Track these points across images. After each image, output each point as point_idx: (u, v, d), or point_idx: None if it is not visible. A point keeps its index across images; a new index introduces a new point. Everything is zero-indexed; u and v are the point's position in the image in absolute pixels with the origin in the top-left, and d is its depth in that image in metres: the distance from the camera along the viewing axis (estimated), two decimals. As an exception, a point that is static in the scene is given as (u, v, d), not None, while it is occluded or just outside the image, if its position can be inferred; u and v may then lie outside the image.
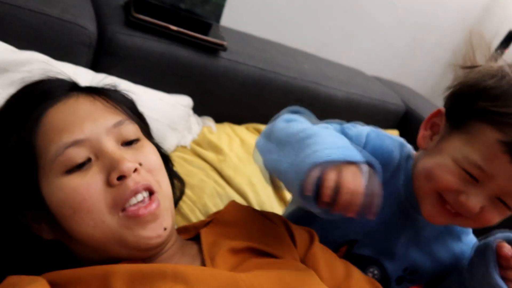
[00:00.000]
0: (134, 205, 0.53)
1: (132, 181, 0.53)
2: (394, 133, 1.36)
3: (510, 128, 0.52)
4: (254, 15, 1.33)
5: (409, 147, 0.69)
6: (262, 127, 1.14)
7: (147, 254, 0.57)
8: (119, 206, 0.53)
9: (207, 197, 0.92)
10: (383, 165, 0.64)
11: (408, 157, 0.67)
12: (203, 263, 0.59)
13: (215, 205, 0.91)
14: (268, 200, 1.01)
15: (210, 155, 0.99)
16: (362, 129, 0.67)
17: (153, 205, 0.54)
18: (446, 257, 0.72)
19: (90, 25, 0.82)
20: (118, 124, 0.56)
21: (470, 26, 1.67)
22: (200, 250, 0.62)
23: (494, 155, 0.53)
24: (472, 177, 0.55)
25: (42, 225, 0.56)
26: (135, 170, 0.54)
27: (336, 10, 1.44)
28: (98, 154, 0.54)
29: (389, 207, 0.67)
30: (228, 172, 0.97)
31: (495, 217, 0.57)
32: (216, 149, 1.00)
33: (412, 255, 0.71)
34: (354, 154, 0.51)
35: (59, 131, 0.53)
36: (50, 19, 0.77)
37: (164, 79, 0.95)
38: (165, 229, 0.55)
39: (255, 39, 1.19)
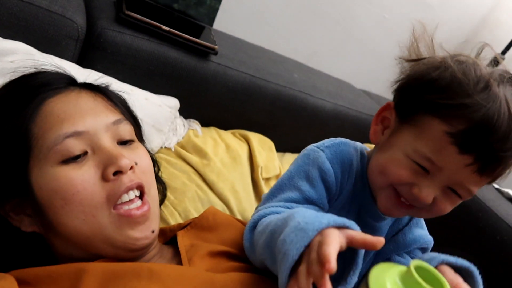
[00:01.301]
0: (126, 203, 0.54)
1: (127, 178, 0.54)
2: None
3: (455, 120, 0.52)
4: (247, 20, 1.33)
5: (361, 147, 0.69)
6: (249, 133, 1.13)
7: (131, 254, 0.57)
8: (112, 201, 0.53)
9: (188, 201, 0.91)
10: (347, 175, 0.65)
11: (363, 157, 0.67)
12: (180, 265, 0.58)
13: (196, 209, 0.90)
14: (250, 207, 1.00)
15: (194, 158, 0.98)
16: (317, 157, 0.64)
17: (145, 207, 0.56)
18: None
19: (79, 18, 0.80)
20: (117, 122, 0.58)
21: (458, 47, 1.70)
22: (177, 253, 0.62)
23: (442, 147, 0.53)
24: (423, 169, 0.55)
25: (22, 217, 0.56)
26: (131, 168, 0.55)
27: (328, 21, 1.45)
28: (95, 149, 0.54)
29: (350, 215, 0.68)
30: (212, 177, 0.96)
31: (447, 207, 0.58)
32: (201, 153, 0.99)
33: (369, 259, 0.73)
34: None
35: (60, 120, 0.54)
36: (37, 9, 0.75)
37: (151, 79, 0.94)
38: (153, 231, 0.57)
39: (247, 45, 1.18)
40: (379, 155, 0.61)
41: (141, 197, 0.57)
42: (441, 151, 0.53)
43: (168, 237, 0.69)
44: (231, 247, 0.63)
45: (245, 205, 1.00)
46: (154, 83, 0.94)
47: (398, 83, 0.63)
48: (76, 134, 0.53)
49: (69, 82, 0.60)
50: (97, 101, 0.59)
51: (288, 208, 0.61)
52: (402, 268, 0.42)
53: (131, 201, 0.55)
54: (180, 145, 1.00)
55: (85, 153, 0.54)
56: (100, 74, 0.82)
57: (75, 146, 0.53)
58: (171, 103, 0.98)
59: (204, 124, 1.09)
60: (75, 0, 0.84)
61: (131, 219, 0.54)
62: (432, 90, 0.55)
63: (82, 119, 0.55)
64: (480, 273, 0.57)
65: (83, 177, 0.52)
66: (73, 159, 0.53)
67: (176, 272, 0.52)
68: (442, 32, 1.82)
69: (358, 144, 0.69)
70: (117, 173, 0.54)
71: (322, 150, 0.64)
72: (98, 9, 0.88)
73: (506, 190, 1.26)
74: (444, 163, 0.54)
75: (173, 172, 0.94)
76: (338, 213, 0.67)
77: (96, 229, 0.53)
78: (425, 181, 0.56)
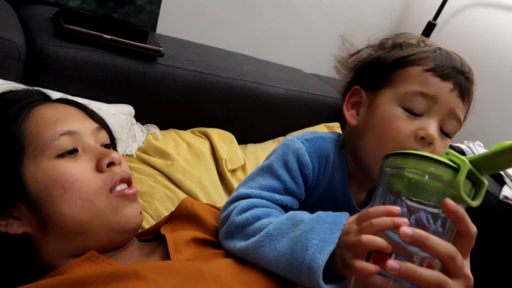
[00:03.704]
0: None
1: (119, 169, 0.61)
2: (335, 125, 1.42)
3: (424, 60, 0.60)
4: (189, 21, 1.34)
5: (340, 140, 0.70)
6: (208, 129, 1.15)
7: (124, 237, 0.61)
8: (108, 187, 0.59)
9: (158, 202, 0.92)
10: (323, 169, 0.66)
11: (341, 149, 0.68)
12: (166, 256, 0.61)
13: (167, 209, 0.91)
14: (220, 200, 1.02)
15: (157, 161, 0.99)
16: (297, 149, 0.65)
17: (135, 188, 0.63)
18: None
19: (17, 38, 0.80)
20: (98, 129, 0.65)
21: (394, 20, 1.79)
22: (160, 244, 0.63)
23: (427, 79, 0.59)
24: (415, 113, 0.59)
25: (9, 221, 0.57)
26: (120, 163, 0.62)
27: (268, 12, 1.48)
28: (85, 148, 0.60)
29: (326, 209, 0.70)
30: (177, 176, 0.97)
31: (441, 151, 0.60)
32: (163, 155, 1.00)
33: None
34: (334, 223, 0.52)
35: (53, 122, 0.59)
36: (-28, 33, 0.74)
37: (102, 89, 0.94)
38: (140, 212, 0.63)
39: (192, 44, 1.20)
40: (368, 130, 0.63)
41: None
42: (428, 83, 0.59)
43: (152, 235, 0.71)
44: (211, 235, 0.65)
45: (215, 198, 1.01)
46: (105, 92, 0.94)
47: (352, 73, 0.69)
48: (70, 133, 0.59)
49: (45, 97, 0.66)
50: (79, 111, 0.66)
51: (270, 199, 0.62)
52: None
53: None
54: (141, 150, 1.01)
55: (76, 150, 0.60)
56: (49, 91, 0.81)
57: (69, 143, 0.59)
58: (126, 110, 0.98)
59: (163, 127, 1.10)
60: (10, 21, 0.83)
61: (125, 198, 0.60)
62: (392, 53, 0.63)
63: (72, 122, 0.61)
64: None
65: (80, 168, 0.58)
66: (69, 153, 0.58)
67: (162, 268, 0.53)
68: (378, 5, 1.89)
69: (338, 135, 0.70)
70: (110, 165, 0.60)
71: (302, 142, 0.65)
72: (35, 27, 0.87)
73: (456, 144, 1.35)
74: (435, 90, 0.59)
75: (138, 177, 0.94)
76: (313, 207, 0.68)
77: (94, 214, 0.57)
78: (422, 120, 0.59)
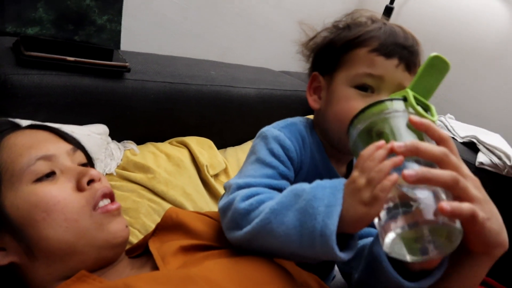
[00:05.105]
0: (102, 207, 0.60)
1: (100, 185, 0.61)
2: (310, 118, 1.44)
3: (368, 41, 0.64)
4: (152, 35, 1.34)
5: (310, 120, 0.74)
6: (185, 138, 1.15)
7: (113, 252, 0.61)
8: (91, 205, 0.59)
9: (144, 216, 0.91)
10: (303, 150, 0.69)
11: (312, 129, 0.72)
12: (156, 269, 0.60)
13: (154, 222, 0.91)
14: (206, 206, 1.03)
15: (138, 175, 0.98)
16: (277, 135, 0.67)
17: (117, 203, 0.63)
18: None
19: (-22, 71, 0.79)
20: (74, 149, 0.65)
21: (353, 7, 1.83)
22: (149, 259, 0.63)
23: (372, 60, 0.64)
24: (368, 90, 0.64)
25: None
26: (99, 179, 0.62)
27: (229, 16, 1.50)
28: (62, 169, 0.60)
29: None
30: (160, 187, 0.97)
31: None
32: (143, 169, 1.00)
33: None
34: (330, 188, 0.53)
35: (27, 148, 0.59)
36: None
37: (72, 112, 0.93)
38: (126, 226, 0.63)
39: (157, 57, 1.20)
40: (329, 112, 0.67)
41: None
42: (374, 63, 0.63)
43: (140, 250, 0.71)
44: (199, 239, 0.66)
45: (200, 205, 1.02)
46: (76, 115, 0.94)
47: (311, 58, 0.72)
48: (46, 157, 0.59)
49: (15, 126, 0.66)
50: (51, 134, 0.66)
51: (269, 186, 0.63)
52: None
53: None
54: (121, 167, 1.00)
55: (54, 173, 0.59)
56: (18, 120, 0.80)
57: (46, 166, 0.59)
58: (100, 130, 0.98)
59: (140, 141, 1.10)
60: (-32, 55, 0.82)
61: (109, 214, 0.60)
62: (341, 36, 0.67)
63: (46, 146, 0.61)
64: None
65: (60, 190, 0.57)
66: (46, 176, 0.58)
67: (151, 278, 0.53)
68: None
69: (306, 118, 0.74)
70: (90, 182, 0.60)
71: (279, 130, 0.68)
72: (-5, 58, 0.87)
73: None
74: (381, 71, 0.63)
75: (121, 194, 0.94)
76: None
77: (79, 233, 0.57)
78: (374, 98, 0.62)
